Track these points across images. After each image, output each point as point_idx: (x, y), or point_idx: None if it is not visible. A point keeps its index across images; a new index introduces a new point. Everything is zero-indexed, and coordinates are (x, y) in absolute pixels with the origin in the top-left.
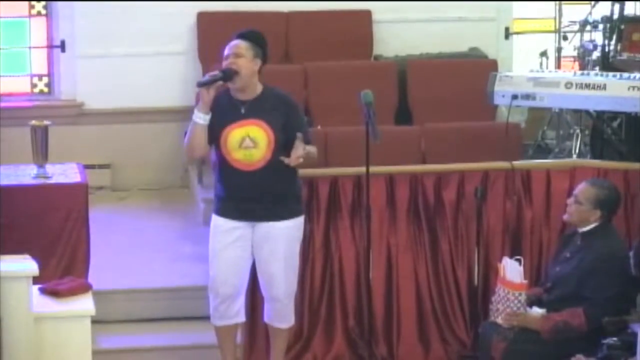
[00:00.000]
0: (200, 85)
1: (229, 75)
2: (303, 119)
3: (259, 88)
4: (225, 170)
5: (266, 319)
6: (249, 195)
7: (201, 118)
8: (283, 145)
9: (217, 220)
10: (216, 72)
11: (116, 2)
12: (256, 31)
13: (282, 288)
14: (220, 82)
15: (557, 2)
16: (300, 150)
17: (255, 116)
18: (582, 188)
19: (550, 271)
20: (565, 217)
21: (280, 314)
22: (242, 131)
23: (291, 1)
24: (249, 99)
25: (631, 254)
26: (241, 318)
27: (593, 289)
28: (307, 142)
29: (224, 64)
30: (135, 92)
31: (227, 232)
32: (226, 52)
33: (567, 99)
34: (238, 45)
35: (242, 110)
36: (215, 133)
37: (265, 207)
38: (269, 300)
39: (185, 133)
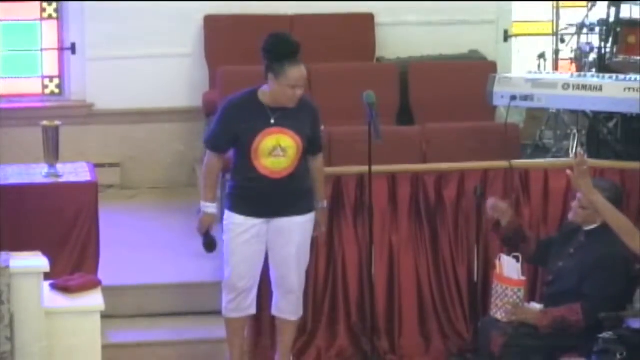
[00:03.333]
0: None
1: (210, 247)
2: (320, 124)
3: None
4: (250, 175)
5: (275, 312)
6: (269, 200)
7: (210, 208)
8: (305, 149)
9: (233, 218)
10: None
11: (125, 6)
12: (263, 43)
13: (295, 280)
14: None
15: (555, 3)
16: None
17: (286, 125)
18: None
19: (553, 265)
20: (570, 216)
21: (292, 305)
22: (274, 140)
23: (297, 1)
24: (278, 108)
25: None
26: (253, 310)
27: (593, 287)
28: (318, 148)
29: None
30: (143, 93)
31: (244, 230)
32: None
33: (564, 100)
34: None
35: (272, 120)
36: (243, 139)
37: (283, 204)
38: (282, 293)
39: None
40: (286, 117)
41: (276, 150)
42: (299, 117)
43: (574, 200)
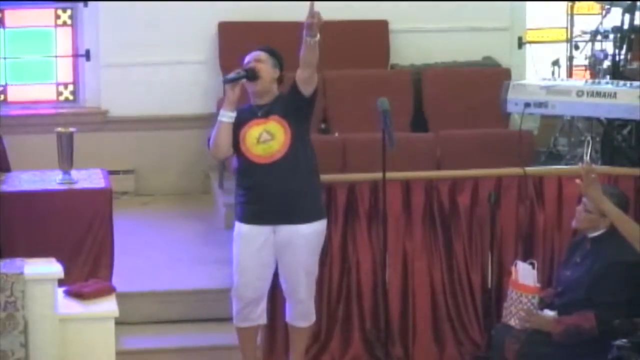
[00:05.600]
0: (227, 81)
1: (251, 74)
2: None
3: (276, 94)
4: (246, 168)
5: (288, 319)
6: (271, 191)
7: (226, 116)
8: (300, 136)
9: (239, 228)
10: (240, 70)
11: (139, 13)
12: (273, 48)
13: (303, 290)
14: (244, 81)
15: (569, 9)
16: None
17: (271, 114)
18: None
19: (561, 275)
20: (574, 224)
21: (302, 313)
22: (260, 128)
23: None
24: (266, 104)
25: None
26: (263, 320)
27: (603, 294)
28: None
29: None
30: (157, 99)
31: (250, 240)
32: (247, 59)
33: (578, 107)
34: (259, 53)
35: (259, 114)
36: (234, 135)
37: (286, 205)
38: (292, 302)
39: (209, 139)
40: (271, 109)
41: (263, 136)
42: (284, 104)
43: (579, 205)
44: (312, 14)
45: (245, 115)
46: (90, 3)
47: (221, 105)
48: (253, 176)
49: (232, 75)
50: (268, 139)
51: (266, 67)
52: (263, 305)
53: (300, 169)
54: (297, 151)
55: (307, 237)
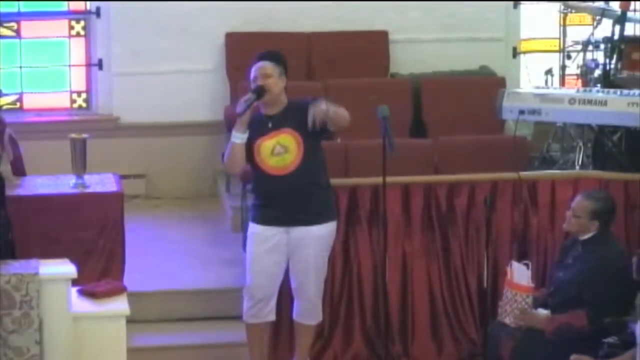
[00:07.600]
0: (241, 114)
1: (260, 93)
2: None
3: (285, 103)
4: (261, 179)
5: (295, 317)
6: (285, 199)
7: (238, 138)
8: (312, 147)
9: (253, 228)
10: (248, 96)
11: (150, 24)
12: (275, 51)
13: (312, 290)
14: (255, 103)
15: (561, 21)
16: (317, 108)
17: (282, 125)
18: (578, 202)
19: (554, 276)
20: (565, 226)
21: (310, 311)
22: (273, 141)
23: (314, 14)
24: (276, 114)
25: (634, 259)
26: (272, 317)
27: (594, 293)
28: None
29: (252, 85)
30: (167, 107)
31: (264, 240)
32: (253, 73)
33: (570, 114)
34: (264, 66)
35: (270, 125)
36: (248, 147)
37: (300, 210)
38: (301, 300)
39: (223, 154)
40: (282, 121)
41: (276, 149)
42: (295, 116)
43: (569, 210)
44: (320, 111)
45: (257, 127)
46: (102, 14)
47: (228, 113)
48: (268, 186)
49: (242, 105)
50: (281, 151)
51: (274, 81)
52: (273, 303)
53: (313, 178)
54: (310, 161)
55: (318, 237)
